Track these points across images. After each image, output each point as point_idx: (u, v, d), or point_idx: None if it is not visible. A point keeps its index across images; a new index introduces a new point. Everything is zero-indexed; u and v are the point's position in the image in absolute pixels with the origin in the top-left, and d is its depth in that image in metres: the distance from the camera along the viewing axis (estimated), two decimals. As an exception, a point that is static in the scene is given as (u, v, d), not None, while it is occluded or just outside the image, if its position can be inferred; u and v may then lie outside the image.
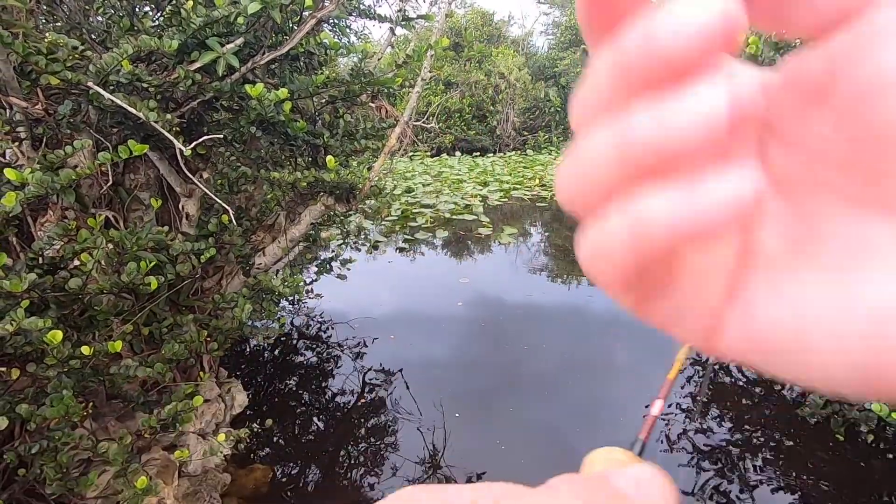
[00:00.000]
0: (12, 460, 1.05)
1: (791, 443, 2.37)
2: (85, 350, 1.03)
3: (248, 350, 3.12)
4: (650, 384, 2.80)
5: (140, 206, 1.90)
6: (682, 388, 2.83)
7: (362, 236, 2.66)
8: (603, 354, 3.19)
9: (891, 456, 2.23)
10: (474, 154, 12.39)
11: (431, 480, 2.19)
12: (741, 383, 2.91)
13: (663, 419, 2.57)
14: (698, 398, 2.70)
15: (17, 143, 1.47)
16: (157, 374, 1.22)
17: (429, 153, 11.88)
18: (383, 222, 5.81)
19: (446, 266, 4.85)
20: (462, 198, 7.20)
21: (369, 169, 1.82)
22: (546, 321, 3.58)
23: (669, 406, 2.68)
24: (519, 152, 13.24)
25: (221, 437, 1.35)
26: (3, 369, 1.00)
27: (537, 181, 8.44)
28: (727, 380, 2.95)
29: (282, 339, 3.35)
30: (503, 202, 7.27)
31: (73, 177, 1.04)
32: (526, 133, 14.29)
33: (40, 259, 1.19)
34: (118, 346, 1.07)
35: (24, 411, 0.98)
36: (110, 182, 1.56)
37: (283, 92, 1.33)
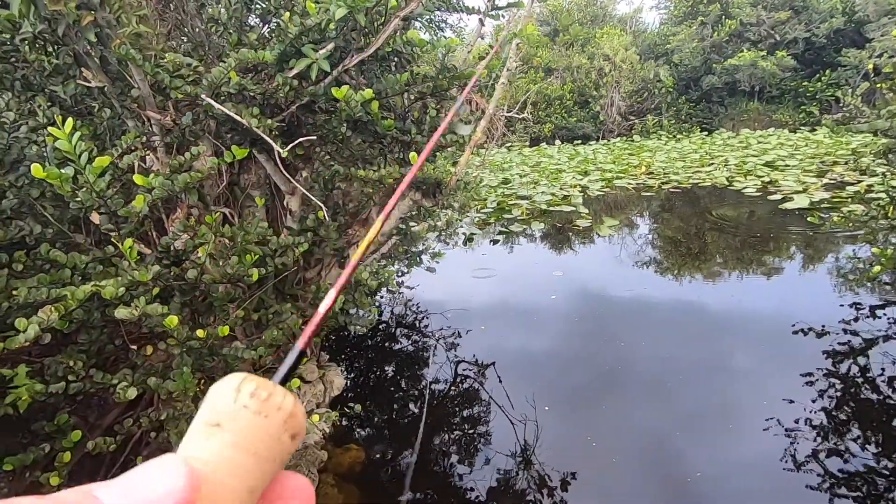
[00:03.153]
0: (146, 424, 1.23)
1: (957, 477, 1.96)
2: (200, 333, 1.17)
3: (351, 336, 3.33)
4: (767, 393, 2.48)
5: (253, 203, 2.11)
6: (814, 401, 2.47)
7: (451, 230, 2.68)
8: (713, 356, 2.89)
9: None
10: (575, 142, 11.90)
11: (524, 476, 2.16)
12: (892, 402, 2.46)
13: (788, 435, 2.26)
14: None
15: (153, 151, 1.70)
16: (260, 357, 1.35)
17: (526, 143, 11.66)
18: (478, 215, 5.82)
19: (542, 258, 4.73)
20: (560, 188, 6.96)
21: (455, 164, 1.82)
22: (648, 318, 3.33)
23: (796, 422, 2.35)
24: (624, 138, 12.45)
25: (315, 417, 1.46)
26: (134, 347, 1.16)
27: (643, 169, 7.87)
28: (874, 396, 2.51)
29: (381, 326, 3.53)
30: (605, 192, 6.90)
31: (189, 180, 1.18)
32: (632, 117, 13.39)
33: (169, 252, 1.37)
34: (225, 330, 1.19)
35: (153, 384, 1.14)
36: (226, 182, 1.74)
37: (368, 92, 1.38)
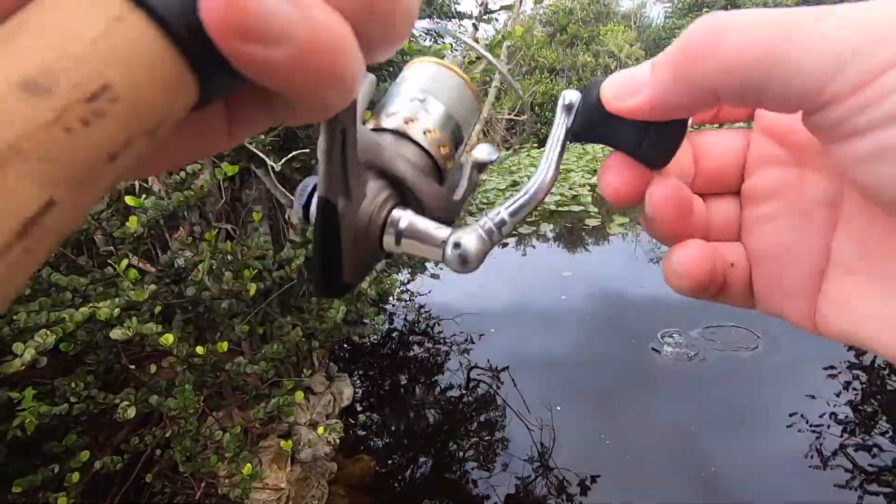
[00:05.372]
0: (151, 442, 1.24)
1: None
2: (199, 350, 1.18)
3: (362, 345, 3.33)
4: (796, 392, 2.41)
5: (261, 218, 2.13)
6: (839, 395, 2.39)
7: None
8: (732, 349, 2.82)
9: None
10: (582, 142, 11.81)
11: (542, 481, 2.13)
12: (920, 392, 2.37)
13: (814, 431, 2.19)
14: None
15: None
16: (263, 372, 1.35)
17: (535, 144, 11.61)
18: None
19: (552, 259, 4.69)
20: (569, 188, 6.91)
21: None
22: (663, 315, 3.27)
23: (821, 416, 2.28)
24: (634, 134, 12.30)
25: (321, 429, 1.46)
26: (132, 367, 1.18)
27: (654, 164, 7.76)
28: (902, 387, 2.43)
29: (393, 334, 3.53)
30: (615, 189, 6.82)
31: (182, 199, 1.19)
32: (641, 113, 13.26)
33: (170, 269, 1.39)
34: (225, 346, 1.20)
35: (155, 402, 1.15)
36: (226, 198, 1.76)
37: (358, 102, 1.39)
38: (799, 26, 0.17)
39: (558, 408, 2.51)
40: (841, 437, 2.15)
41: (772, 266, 0.23)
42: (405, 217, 0.24)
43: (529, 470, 2.20)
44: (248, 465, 1.18)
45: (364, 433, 2.43)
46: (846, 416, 2.28)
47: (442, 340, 3.37)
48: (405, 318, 3.71)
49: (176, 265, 1.55)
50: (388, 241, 0.24)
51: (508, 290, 3.97)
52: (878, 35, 0.16)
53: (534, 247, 5.01)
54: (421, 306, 3.82)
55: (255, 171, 1.80)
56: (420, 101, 0.26)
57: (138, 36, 0.11)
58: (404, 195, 0.25)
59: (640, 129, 0.21)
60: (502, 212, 0.24)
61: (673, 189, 0.22)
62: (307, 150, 1.49)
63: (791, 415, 2.30)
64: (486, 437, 2.43)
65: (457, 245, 0.23)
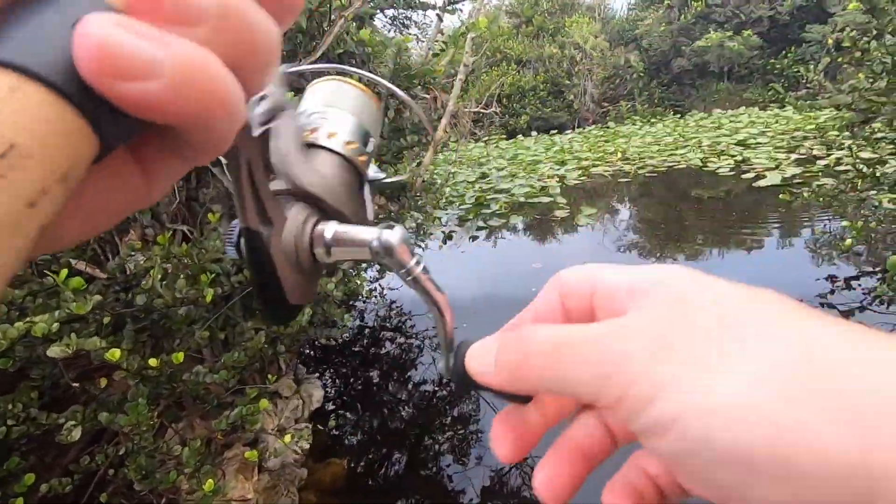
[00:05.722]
0: (103, 461, 1.17)
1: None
2: (152, 362, 1.11)
3: (332, 345, 3.27)
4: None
5: (218, 219, 2.04)
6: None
7: (422, 233, 2.64)
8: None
9: None
10: (551, 132, 11.92)
11: (517, 471, 2.14)
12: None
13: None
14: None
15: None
16: (223, 381, 1.29)
17: (503, 136, 11.64)
18: (456, 211, 5.78)
19: (521, 251, 4.71)
20: (538, 179, 6.95)
21: (419, 164, 1.78)
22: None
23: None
24: (599, 126, 12.51)
25: (287, 438, 1.41)
26: (77, 385, 1.10)
27: (619, 155, 7.91)
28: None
29: (366, 331, 3.47)
30: (582, 181, 6.91)
31: (127, 201, 1.11)
32: (606, 104, 13.47)
33: (118, 276, 1.30)
34: (180, 357, 1.13)
35: (104, 419, 1.08)
36: (182, 198, 1.67)
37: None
38: (571, 342, 0.21)
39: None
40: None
41: None
42: (329, 229, 0.25)
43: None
44: (210, 480, 1.12)
45: (337, 433, 2.38)
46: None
47: (414, 336, 3.34)
48: (377, 314, 3.66)
49: (128, 271, 1.46)
50: (320, 253, 0.25)
51: (480, 284, 3.97)
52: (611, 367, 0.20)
53: (504, 238, 5.02)
54: (392, 301, 3.78)
55: (211, 168, 1.71)
56: (321, 113, 0.28)
57: (33, 100, 0.13)
58: (324, 210, 0.26)
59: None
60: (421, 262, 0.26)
61: (554, 479, 0.25)
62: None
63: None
64: (461, 431, 2.43)
65: (380, 239, 0.24)
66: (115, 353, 0.96)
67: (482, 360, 0.25)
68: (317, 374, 2.86)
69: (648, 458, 0.23)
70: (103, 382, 1.25)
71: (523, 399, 0.26)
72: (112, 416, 1.10)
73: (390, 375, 2.98)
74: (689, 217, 5.17)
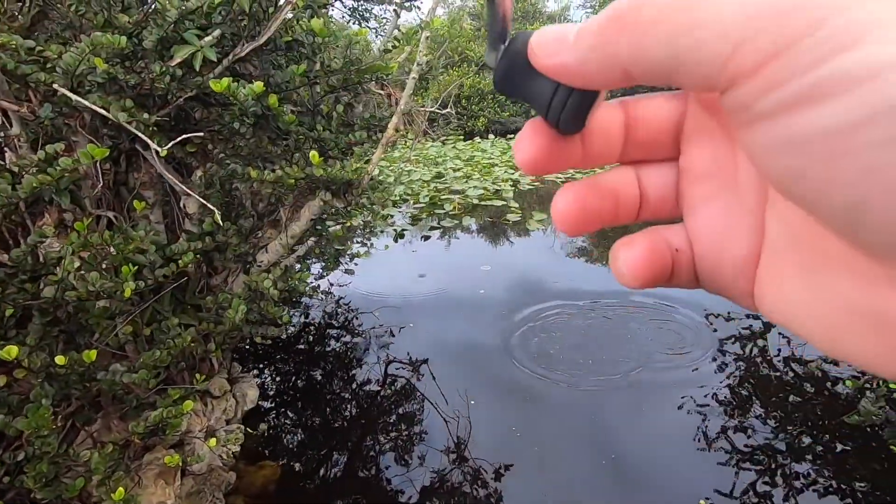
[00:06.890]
0: (-3, 468, 1.06)
1: (843, 447, 2.15)
2: (59, 360, 1.01)
3: (271, 343, 3.15)
4: (682, 375, 2.62)
5: (147, 206, 1.91)
6: (721, 381, 2.64)
7: (368, 230, 2.59)
8: (631, 344, 3.01)
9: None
10: (508, 136, 12.09)
11: (458, 472, 2.13)
12: (788, 377, 2.67)
13: (699, 412, 2.40)
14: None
15: (12, 148, 1.48)
16: (143, 381, 1.20)
17: (461, 137, 11.69)
18: (410, 210, 5.74)
19: (472, 254, 4.74)
20: (492, 182, 7.02)
21: (367, 161, 1.74)
22: (576, 308, 3.42)
23: (705, 395, 2.50)
24: (555, 132, 12.77)
25: (212, 442, 1.33)
26: (-36, 385, 0.99)
27: (572, 162, 8.11)
28: (772, 373, 2.72)
29: (310, 328, 3.38)
30: (535, 186, 7.05)
31: (36, 185, 1.01)
32: (562, 112, 13.81)
33: (24, 264, 1.19)
34: (92, 355, 1.04)
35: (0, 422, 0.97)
36: (104, 182, 1.55)
37: (258, 86, 1.26)
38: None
39: (472, 402, 2.53)
40: (722, 419, 2.38)
41: (712, 247, 0.22)
42: None
43: (446, 462, 2.20)
44: (121, 488, 1.04)
45: (273, 433, 2.29)
46: (726, 398, 2.52)
47: (361, 334, 3.28)
48: (323, 311, 3.57)
49: (41, 259, 1.33)
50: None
51: (430, 284, 3.96)
52: (786, 3, 0.14)
53: (457, 238, 5.04)
54: (340, 298, 3.69)
55: (142, 152, 1.60)
56: None
57: None
58: None
59: (555, 89, 0.21)
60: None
61: (574, 202, 0.22)
62: (202, 133, 1.34)
63: (683, 397, 2.51)
64: (405, 431, 2.40)
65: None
66: (11, 350, 0.87)
67: (557, 34, 0.20)
68: (254, 373, 2.75)
69: (673, 231, 0.23)
70: (3, 381, 1.13)
71: (575, 122, 0.21)
72: (8, 419, 1.00)
73: (334, 374, 2.91)
74: (636, 225, 5.38)
